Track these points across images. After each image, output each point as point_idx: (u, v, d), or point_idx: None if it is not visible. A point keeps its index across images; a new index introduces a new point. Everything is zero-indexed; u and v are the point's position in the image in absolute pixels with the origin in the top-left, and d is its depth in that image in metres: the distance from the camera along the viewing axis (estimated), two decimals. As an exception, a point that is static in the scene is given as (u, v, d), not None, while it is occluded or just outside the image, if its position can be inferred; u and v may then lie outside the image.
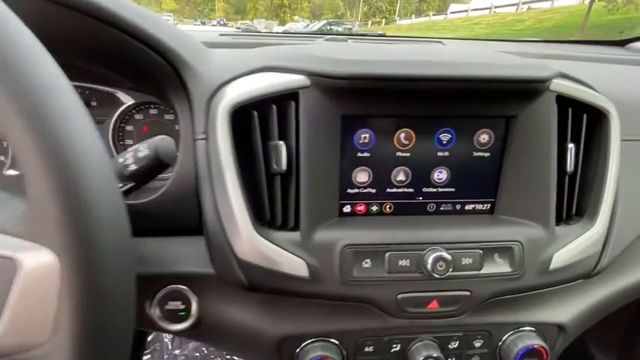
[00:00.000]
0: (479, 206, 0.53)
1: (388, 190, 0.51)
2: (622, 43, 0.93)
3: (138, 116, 0.64)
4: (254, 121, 0.45)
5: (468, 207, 0.53)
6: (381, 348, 0.51)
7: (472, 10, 30.63)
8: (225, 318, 0.48)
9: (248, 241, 0.44)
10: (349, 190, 0.50)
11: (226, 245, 0.43)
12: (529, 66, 0.46)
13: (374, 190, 0.50)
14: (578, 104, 0.49)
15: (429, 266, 0.45)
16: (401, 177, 0.50)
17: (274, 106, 0.45)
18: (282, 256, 0.44)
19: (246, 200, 0.44)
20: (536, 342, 0.52)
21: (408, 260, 0.46)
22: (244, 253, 0.44)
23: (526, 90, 0.46)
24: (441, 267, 0.45)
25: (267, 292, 0.47)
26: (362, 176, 0.49)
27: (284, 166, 0.45)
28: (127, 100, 0.62)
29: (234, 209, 0.43)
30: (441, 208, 0.52)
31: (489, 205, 0.53)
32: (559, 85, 0.47)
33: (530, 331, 0.54)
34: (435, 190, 0.51)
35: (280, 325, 0.48)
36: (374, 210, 0.51)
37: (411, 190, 0.51)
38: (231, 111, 0.43)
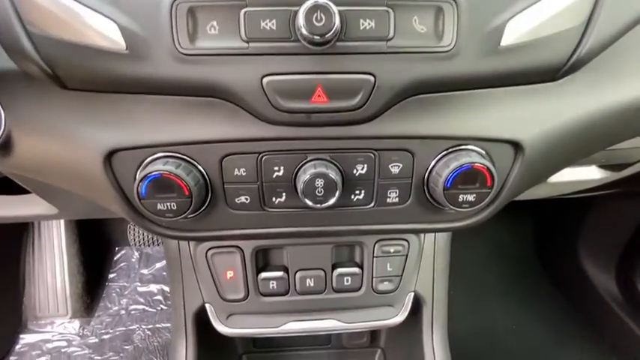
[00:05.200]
0: None
1: None
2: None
3: None
4: None
5: None
6: (256, 171, 0.36)
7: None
8: (39, 129, 0.35)
9: None
10: None
11: (8, 4, 0.30)
12: None
13: None
14: None
15: (302, 25, 0.27)
16: None
17: None
18: (83, 16, 0.29)
19: None
20: (477, 160, 0.33)
21: (273, 21, 0.29)
22: (31, 14, 0.29)
23: None
24: (319, 21, 0.27)
25: (80, 85, 0.33)
26: None
27: None
28: None
29: None
30: None
31: None
32: None
33: (472, 150, 0.35)
34: None
35: (107, 134, 0.34)
36: None
37: None
38: None
